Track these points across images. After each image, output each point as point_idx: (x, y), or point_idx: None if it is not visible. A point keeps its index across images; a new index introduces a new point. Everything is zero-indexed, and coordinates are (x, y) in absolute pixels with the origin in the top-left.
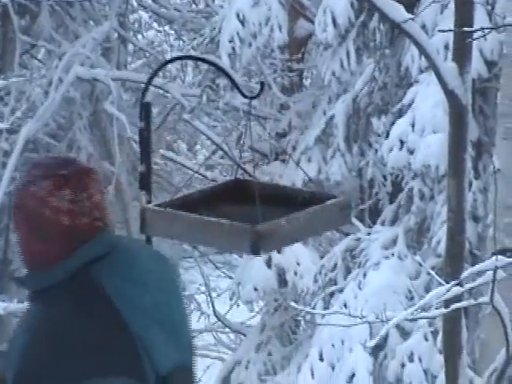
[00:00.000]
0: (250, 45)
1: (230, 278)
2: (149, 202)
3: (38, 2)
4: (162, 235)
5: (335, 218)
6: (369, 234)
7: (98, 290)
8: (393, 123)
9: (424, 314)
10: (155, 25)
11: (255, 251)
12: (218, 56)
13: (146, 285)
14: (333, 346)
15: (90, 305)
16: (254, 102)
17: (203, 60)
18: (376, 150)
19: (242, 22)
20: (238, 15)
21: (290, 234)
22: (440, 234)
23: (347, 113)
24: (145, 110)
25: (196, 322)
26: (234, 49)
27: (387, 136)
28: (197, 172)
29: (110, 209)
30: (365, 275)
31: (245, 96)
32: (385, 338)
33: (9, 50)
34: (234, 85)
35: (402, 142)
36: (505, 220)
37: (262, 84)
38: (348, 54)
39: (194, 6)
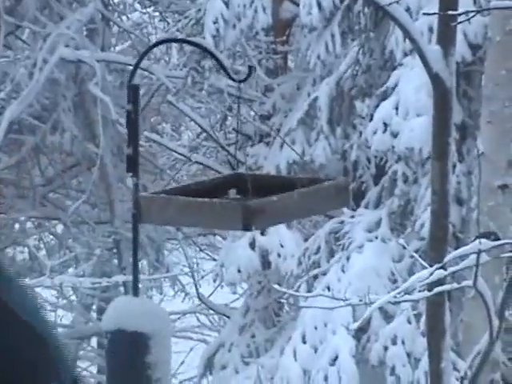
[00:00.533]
0: (234, 26)
1: (214, 260)
2: (136, 184)
3: None
4: (157, 222)
5: (332, 200)
6: (352, 216)
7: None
8: (377, 106)
9: (407, 296)
10: (139, 6)
11: (247, 226)
12: (203, 37)
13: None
14: (316, 328)
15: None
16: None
17: (192, 43)
18: (360, 133)
19: (227, 4)
20: None
21: (283, 211)
22: (424, 217)
23: (331, 95)
24: (133, 92)
25: (180, 303)
26: (218, 30)
27: (371, 119)
28: (181, 154)
29: (94, 190)
30: (348, 258)
31: (233, 79)
32: (368, 321)
33: None
34: (223, 68)
35: (385, 125)
36: (489, 203)
37: (250, 68)
38: (333, 37)
39: None
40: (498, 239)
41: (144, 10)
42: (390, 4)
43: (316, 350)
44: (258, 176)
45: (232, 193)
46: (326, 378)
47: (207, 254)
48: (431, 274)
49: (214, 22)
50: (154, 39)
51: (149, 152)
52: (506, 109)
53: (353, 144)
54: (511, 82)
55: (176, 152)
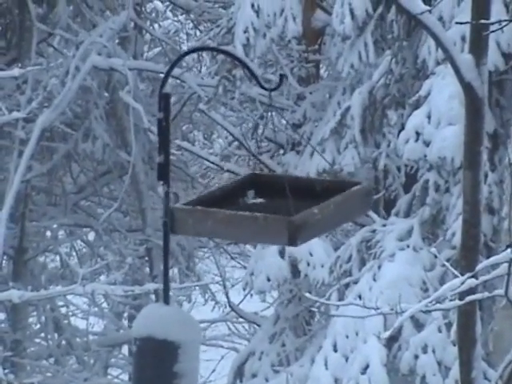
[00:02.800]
0: (265, 35)
1: (245, 268)
2: (167, 193)
3: None
4: (193, 234)
5: (359, 205)
6: (384, 225)
7: None
8: (409, 115)
9: (438, 305)
10: (171, 15)
11: (293, 242)
12: (234, 46)
13: None
14: (347, 337)
15: None
16: (272, 93)
17: (222, 51)
18: (389, 142)
19: (257, 12)
20: (252, 5)
21: (323, 222)
22: (455, 226)
23: (363, 104)
24: (164, 100)
25: (210, 312)
26: (248, 39)
27: (403, 128)
28: (213, 163)
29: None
30: (380, 267)
31: (264, 88)
32: (399, 330)
33: (26, 38)
34: (254, 77)
35: (417, 134)
36: None
37: (282, 76)
38: (366, 45)
39: None
40: None
41: (176, 19)
42: (422, 13)
43: (347, 359)
44: (274, 177)
45: (250, 194)
46: None
47: (238, 263)
48: (462, 283)
49: (244, 31)
50: (185, 47)
51: (180, 160)
52: None
53: (382, 153)
54: None
55: (208, 160)
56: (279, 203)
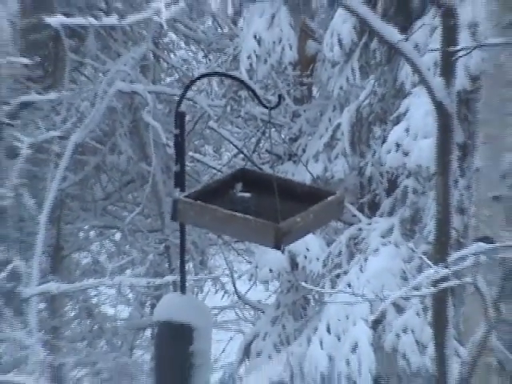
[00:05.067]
0: (266, 61)
1: (250, 262)
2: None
3: (85, 26)
4: (192, 224)
5: (332, 212)
6: (369, 224)
7: None
8: (390, 129)
9: (416, 292)
10: (184, 45)
11: (277, 246)
12: (239, 71)
13: None
14: (338, 320)
15: None
16: (271, 112)
17: (230, 76)
18: (374, 152)
19: (259, 42)
20: (255, 36)
21: (303, 229)
22: (430, 224)
23: (351, 121)
24: (179, 118)
25: (220, 300)
26: (251, 65)
27: (385, 140)
28: (221, 172)
29: (147, 203)
30: (366, 260)
31: (265, 107)
32: (383, 314)
33: (60, 67)
34: (257, 97)
35: (398, 146)
36: (485, 212)
37: (280, 97)
38: (353, 70)
39: (219, 29)
40: (493, 243)
41: (188, 48)
42: (399, 41)
43: (339, 339)
44: (262, 174)
45: (238, 186)
46: (348, 363)
47: (243, 258)
48: (436, 272)
49: (248, 58)
50: (197, 73)
51: (193, 170)
52: (498, 131)
53: (368, 162)
54: (503, 108)
55: (217, 170)
56: (263, 198)
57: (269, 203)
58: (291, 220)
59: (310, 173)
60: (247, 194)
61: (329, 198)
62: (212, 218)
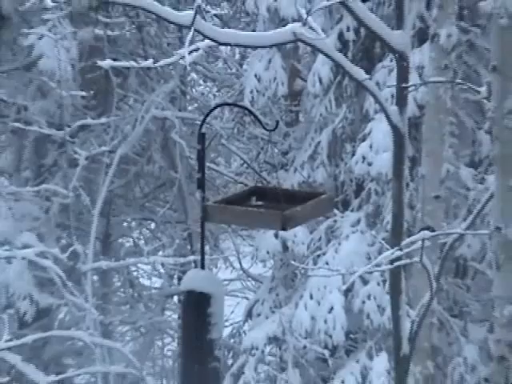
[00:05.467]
0: (264, 94)
1: (251, 245)
2: (203, 197)
3: (128, 67)
4: (217, 222)
5: (326, 207)
6: (341, 217)
7: None
8: (358, 146)
9: (377, 268)
10: (203, 82)
11: (284, 229)
12: (244, 102)
13: None
14: (318, 289)
15: None
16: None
17: (238, 105)
18: (346, 163)
19: (259, 80)
20: (255, 75)
21: (303, 217)
22: (388, 217)
23: (329, 140)
24: (201, 137)
25: (229, 274)
26: (253, 97)
27: (354, 154)
28: (231, 177)
29: (174, 202)
30: (339, 244)
31: (266, 129)
32: (352, 284)
33: (109, 98)
34: (259, 122)
35: (364, 158)
36: (428, 208)
37: (277, 122)
38: (330, 101)
39: (229, 70)
40: (434, 231)
41: (206, 84)
42: (365, 80)
43: (319, 304)
44: (272, 188)
45: (253, 199)
46: (325, 322)
47: (247, 242)
48: (392, 253)
49: (251, 92)
50: (212, 104)
51: (210, 176)
52: (437, 147)
53: (341, 170)
54: (440, 130)
55: (227, 176)
56: (272, 205)
57: (276, 205)
58: (293, 209)
59: (303, 176)
60: (260, 203)
61: (322, 197)
62: (232, 214)
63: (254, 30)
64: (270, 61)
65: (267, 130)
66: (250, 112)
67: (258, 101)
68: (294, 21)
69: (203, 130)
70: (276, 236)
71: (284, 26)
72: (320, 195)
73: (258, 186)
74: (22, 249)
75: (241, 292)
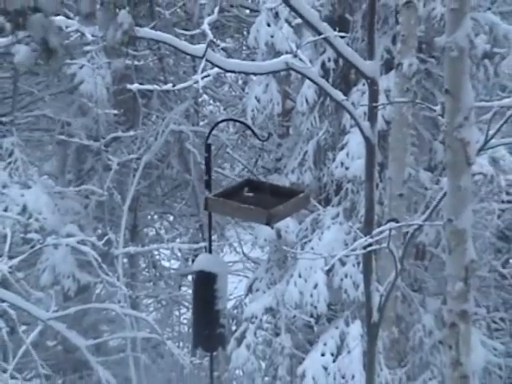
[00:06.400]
0: (262, 113)
1: (251, 234)
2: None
3: (152, 90)
4: (217, 212)
5: (303, 203)
6: (324, 211)
7: None
8: (337, 154)
9: (353, 252)
10: (212, 102)
11: (268, 224)
12: (246, 119)
13: None
14: (305, 269)
15: None
16: (264, 143)
17: (240, 122)
18: (328, 168)
19: (258, 101)
20: (255, 97)
21: (284, 213)
22: (362, 211)
23: (314, 149)
24: (208, 147)
25: (233, 256)
26: (254, 115)
27: (334, 160)
28: (234, 179)
29: (189, 199)
30: (322, 233)
31: (261, 140)
32: (332, 265)
33: (136, 116)
34: (254, 133)
35: (342, 164)
36: (394, 204)
37: (269, 134)
38: (314, 118)
39: (233, 92)
40: (398, 222)
41: (214, 104)
42: (343, 100)
43: (306, 281)
44: (261, 182)
45: (245, 190)
46: (311, 296)
47: (248, 231)
48: (365, 241)
49: (252, 111)
50: (219, 119)
51: (217, 179)
52: (401, 155)
53: (324, 174)
54: (404, 141)
55: (231, 178)
56: (260, 196)
57: (264, 198)
58: (277, 208)
59: (290, 181)
60: (251, 194)
61: (300, 195)
62: (229, 208)
63: (253, 61)
64: (267, 85)
65: (261, 140)
66: (247, 126)
67: (258, 118)
68: (287, 53)
69: (209, 142)
70: (272, 227)
71: (278, 58)
72: (299, 193)
73: (249, 179)
74: (66, 237)
75: (242, 272)
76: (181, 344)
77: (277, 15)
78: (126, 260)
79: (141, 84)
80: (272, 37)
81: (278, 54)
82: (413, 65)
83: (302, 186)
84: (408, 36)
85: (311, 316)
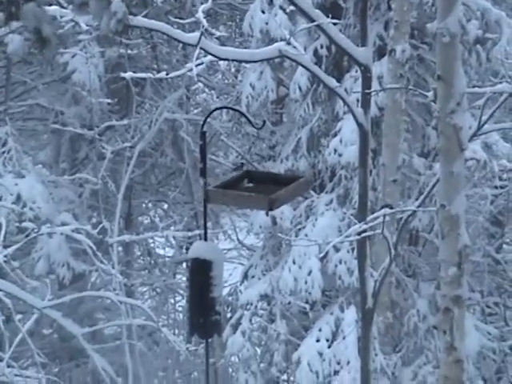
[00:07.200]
0: (257, 100)
1: (246, 221)
2: (205, 183)
3: (145, 78)
4: (218, 203)
5: (304, 188)
6: (318, 197)
7: None
8: (330, 140)
9: (347, 239)
10: (207, 90)
11: (270, 209)
12: (241, 106)
13: None
14: (300, 256)
15: None
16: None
17: (234, 109)
18: (322, 155)
19: (253, 88)
20: (250, 84)
21: (286, 198)
22: (356, 197)
23: (307, 135)
24: (203, 135)
25: (228, 244)
26: (248, 102)
27: (328, 147)
28: (228, 166)
29: (183, 187)
30: (316, 219)
31: (255, 127)
32: (327, 252)
33: (129, 104)
34: (249, 121)
35: (335, 150)
36: (387, 190)
37: (264, 122)
38: (307, 105)
39: (226, 80)
40: (392, 208)
41: (208, 92)
42: (336, 87)
43: (300, 267)
44: (260, 172)
45: (245, 181)
46: (306, 282)
47: (243, 219)
48: (359, 227)
49: (246, 98)
50: (212, 107)
51: (211, 166)
52: (394, 140)
53: (318, 160)
54: (397, 127)
55: (225, 165)
56: (261, 186)
57: (265, 187)
58: (278, 193)
59: (287, 164)
60: (250, 185)
61: (300, 180)
62: (229, 197)
63: (246, 48)
64: (261, 72)
65: (256, 128)
66: (242, 114)
67: (253, 105)
68: (282, 40)
69: (204, 129)
70: (267, 214)
71: (272, 45)
72: (299, 178)
73: (249, 170)
74: (61, 226)
75: (237, 259)
76: (176, 331)
77: (271, 2)
78: (120, 248)
79: (134, 72)
80: (267, 24)
81: (272, 41)
82: (406, 51)
83: (297, 173)
84: (401, 22)
85: (306, 302)
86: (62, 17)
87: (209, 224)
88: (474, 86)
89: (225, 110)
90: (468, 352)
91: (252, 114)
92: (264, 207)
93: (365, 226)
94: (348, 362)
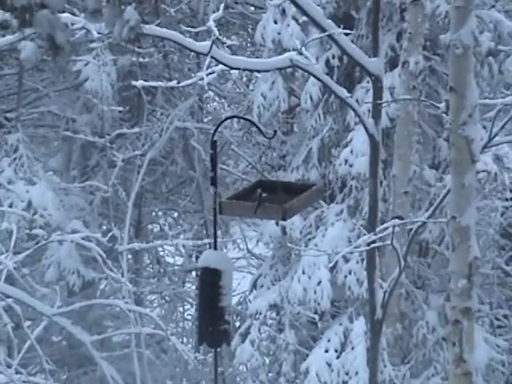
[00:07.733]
0: (268, 110)
1: (255, 230)
2: (215, 192)
3: (156, 87)
4: (232, 215)
5: (317, 196)
6: (328, 208)
7: None
8: (341, 151)
9: (356, 249)
10: (217, 99)
11: (284, 219)
12: (252, 116)
13: None
14: (309, 266)
15: None
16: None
17: (245, 119)
18: (333, 165)
19: (264, 98)
20: (261, 93)
21: (299, 207)
22: (365, 208)
23: (318, 146)
24: (213, 144)
25: (237, 253)
26: (260, 112)
27: (338, 157)
28: (239, 176)
29: (193, 195)
30: (326, 229)
31: (266, 137)
32: (336, 262)
33: (141, 112)
34: (260, 131)
35: (346, 161)
36: (398, 201)
37: (275, 131)
38: (319, 115)
39: (237, 89)
40: (402, 219)
41: (219, 101)
42: (347, 97)
43: (310, 278)
44: (273, 181)
45: (258, 191)
46: (315, 292)
47: (252, 228)
48: (369, 237)
49: (258, 108)
50: (223, 117)
51: (221, 175)
52: (406, 152)
53: (329, 171)
54: (409, 138)
55: (236, 175)
56: (274, 195)
57: (278, 197)
58: (291, 202)
59: (298, 174)
60: (264, 194)
61: (313, 188)
62: (243, 209)
63: (258, 58)
64: (273, 82)
65: (267, 138)
66: (253, 123)
67: (264, 114)
68: (293, 50)
69: (215, 138)
70: (277, 223)
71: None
72: (312, 186)
73: (262, 179)
74: (71, 233)
75: (246, 268)
76: (185, 340)
77: (284, 12)
78: (130, 256)
79: (145, 81)
80: (279, 34)
81: (285, 51)
82: (419, 62)
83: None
84: (415, 34)
85: (315, 312)
86: (73, 24)
87: (218, 233)
88: (485, 98)
89: (236, 119)
90: (477, 364)
91: (263, 124)
92: (278, 217)
93: (374, 237)
94: (356, 373)
